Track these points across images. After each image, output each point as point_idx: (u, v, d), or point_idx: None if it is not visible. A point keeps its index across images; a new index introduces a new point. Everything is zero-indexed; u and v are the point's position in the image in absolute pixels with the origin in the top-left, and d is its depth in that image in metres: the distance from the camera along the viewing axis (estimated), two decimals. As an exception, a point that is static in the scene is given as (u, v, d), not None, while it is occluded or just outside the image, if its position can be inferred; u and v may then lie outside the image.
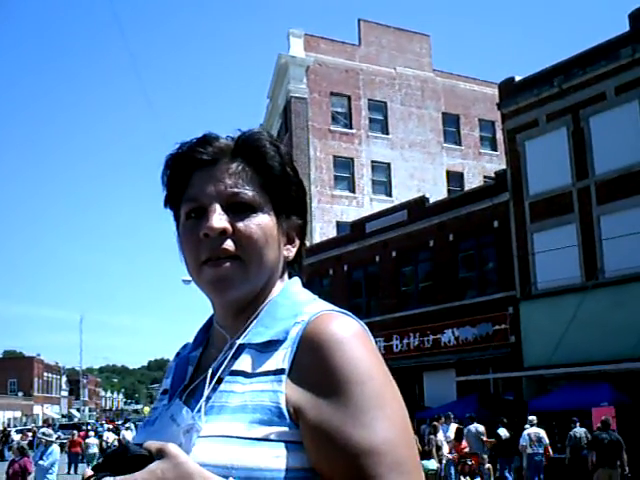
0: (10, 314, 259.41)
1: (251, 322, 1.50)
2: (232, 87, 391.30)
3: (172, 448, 1.28)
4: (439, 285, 30.84)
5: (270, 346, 1.43)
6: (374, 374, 1.36)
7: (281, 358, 1.40)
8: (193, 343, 1.66)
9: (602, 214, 24.40)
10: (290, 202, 1.57)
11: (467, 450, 21.85)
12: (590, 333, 23.22)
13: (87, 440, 36.08)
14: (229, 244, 1.46)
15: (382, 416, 1.32)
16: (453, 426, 23.68)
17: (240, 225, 1.47)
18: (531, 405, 23.79)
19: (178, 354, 1.69)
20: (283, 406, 1.34)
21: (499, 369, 27.15)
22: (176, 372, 1.61)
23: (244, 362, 1.44)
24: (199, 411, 1.39)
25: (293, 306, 1.48)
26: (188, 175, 1.54)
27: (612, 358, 22.01)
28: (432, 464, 19.93)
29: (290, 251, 1.60)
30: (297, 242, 1.62)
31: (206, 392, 1.42)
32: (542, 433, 20.90)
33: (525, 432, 20.94)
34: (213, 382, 1.43)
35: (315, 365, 1.36)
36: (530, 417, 21.46)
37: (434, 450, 21.01)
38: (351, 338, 1.37)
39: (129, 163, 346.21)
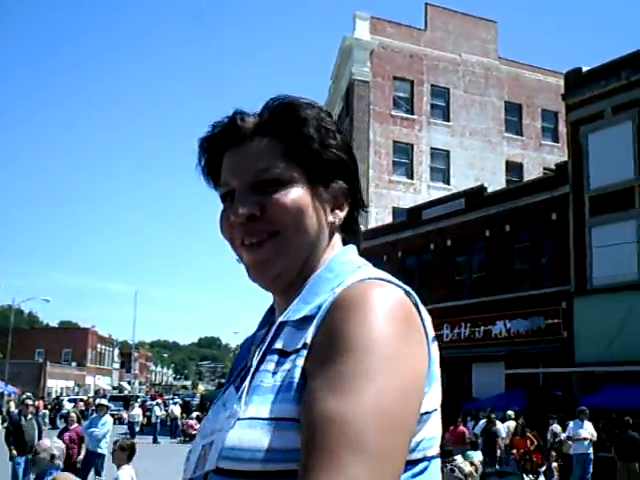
0: (68, 286, 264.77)
1: (294, 299, 1.42)
2: (297, 67, 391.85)
3: None
4: (493, 276, 30.59)
5: (305, 322, 1.34)
6: (386, 346, 1.20)
7: (309, 333, 1.30)
8: (260, 323, 1.61)
9: (663, 211, 23.95)
10: (327, 167, 1.47)
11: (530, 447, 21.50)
12: (645, 332, 22.77)
13: (132, 412, 40.30)
14: (260, 226, 1.41)
15: (366, 390, 1.15)
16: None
17: (269, 202, 1.41)
18: (581, 402, 23.46)
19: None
20: (296, 381, 1.26)
21: (549, 364, 26.90)
22: (240, 353, 1.59)
23: (282, 340, 1.37)
24: (241, 396, 1.32)
25: (335, 279, 1.38)
26: (221, 157, 1.51)
27: (667, 359, 21.61)
28: (478, 455, 19.66)
29: (337, 216, 1.50)
30: (346, 206, 1.52)
31: (250, 374, 1.36)
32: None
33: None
34: (255, 362, 1.38)
35: (327, 331, 1.26)
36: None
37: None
38: (380, 306, 1.23)
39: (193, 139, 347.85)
